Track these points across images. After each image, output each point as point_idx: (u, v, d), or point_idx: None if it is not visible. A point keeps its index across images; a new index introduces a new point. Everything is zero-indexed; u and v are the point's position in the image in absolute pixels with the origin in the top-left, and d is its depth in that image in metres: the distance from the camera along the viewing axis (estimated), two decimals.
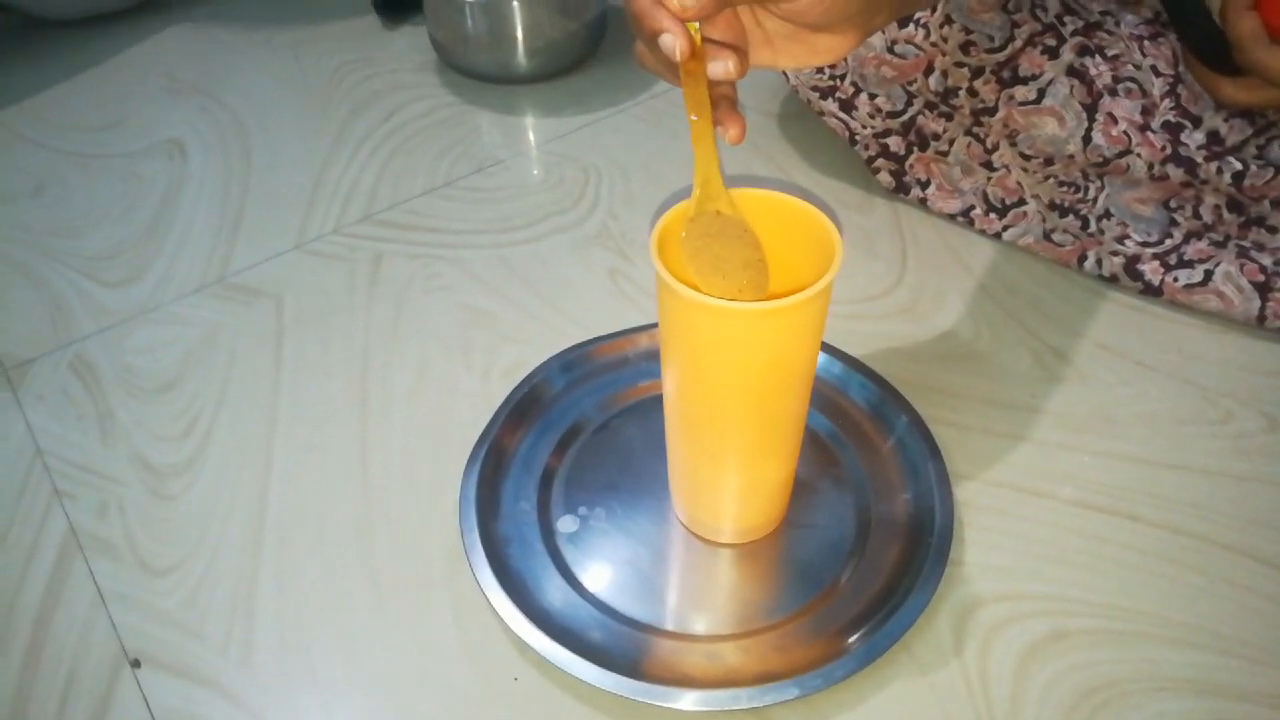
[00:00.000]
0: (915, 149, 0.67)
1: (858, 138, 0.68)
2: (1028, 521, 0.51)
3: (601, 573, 0.49)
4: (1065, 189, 0.63)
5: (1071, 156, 0.61)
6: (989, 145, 0.65)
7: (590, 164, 0.74)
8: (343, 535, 0.51)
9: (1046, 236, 0.64)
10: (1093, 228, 0.63)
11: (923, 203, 0.68)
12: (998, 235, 0.65)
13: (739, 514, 0.49)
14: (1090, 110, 0.60)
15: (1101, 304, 0.62)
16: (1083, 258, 0.63)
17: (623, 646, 0.46)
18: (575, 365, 0.57)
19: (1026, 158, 0.64)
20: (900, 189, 0.68)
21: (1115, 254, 0.62)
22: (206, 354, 0.61)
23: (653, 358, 0.58)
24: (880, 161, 0.68)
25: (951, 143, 0.66)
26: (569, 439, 0.55)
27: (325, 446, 0.55)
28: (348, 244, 0.68)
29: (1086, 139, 0.60)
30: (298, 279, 0.65)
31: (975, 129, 0.65)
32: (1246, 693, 0.44)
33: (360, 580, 0.49)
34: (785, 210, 0.43)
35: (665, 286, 0.39)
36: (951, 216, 0.67)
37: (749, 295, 0.41)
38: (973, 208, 0.66)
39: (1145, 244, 0.62)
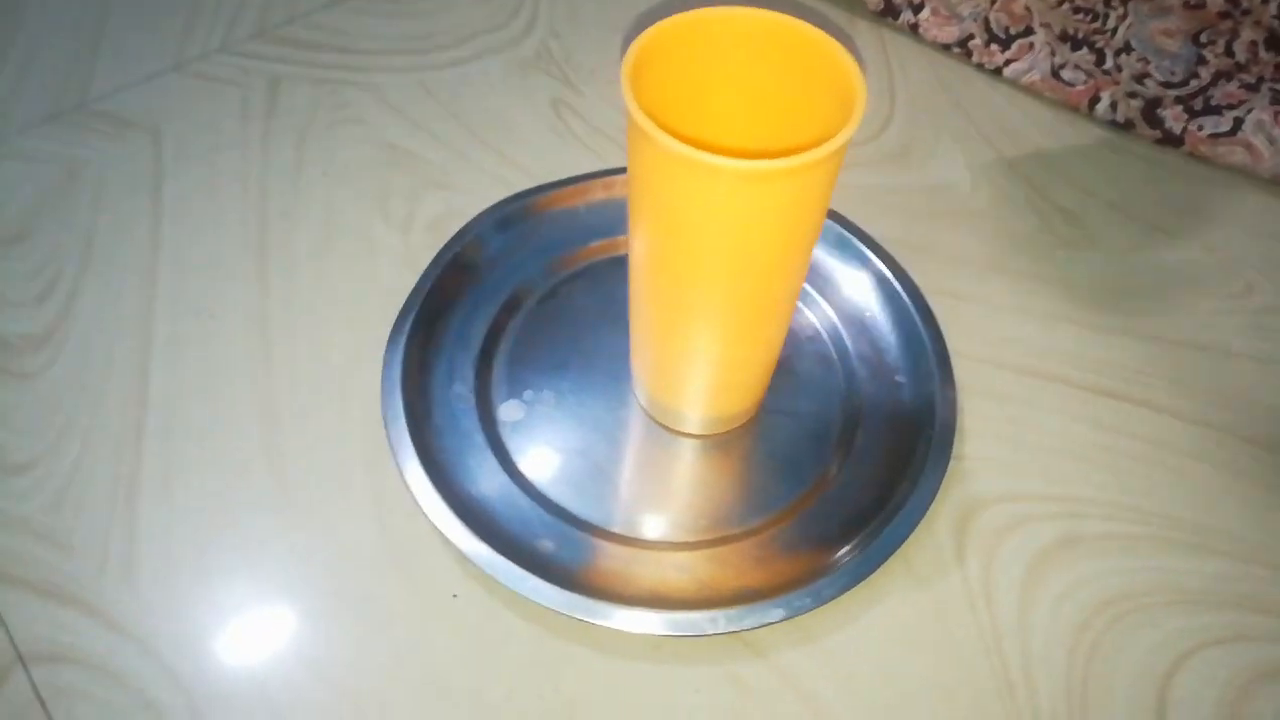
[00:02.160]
0: None
1: None
2: (1033, 408, 0.45)
3: (551, 468, 0.42)
4: (1081, 17, 0.55)
5: None
6: None
7: None
8: (241, 422, 0.43)
9: (1055, 73, 0.56)
10: (1109, 63, 0.55)
11: (914, 29, 0.59)
12: (998, 71, 0.57)
13: (711, 402, 0.42)
14: None
15: (1113, 156, 0.54)
16: (1095, 99, 0.55)
17: (579, 557, 0.39)
18: (515, 220, 0.49)
19: None
20: (889, 11, 0.59)
21: (1133, 95, 0.54)
22: (65, 197, 0.50)
23: (607, 213, 0.49)
24: None
25: None
26: (510, 308, 0.47)
27: (217, 313, 0.46)
28: (238, 65, 0.56)
29: None
30: (177, 108, 0.54)
31: None
32: (1270, 604, 0.40)
33: (264, 478, 0.41)
34: (788, 36, 0.34)
35: (639, 131, 0.30)
36: (946, 47, 0.58)
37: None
38: (971, 37, 0.57)
39: (1168, 84, 0.54)
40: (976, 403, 0.45)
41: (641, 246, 0.36)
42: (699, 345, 0.38)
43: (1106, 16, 0.54)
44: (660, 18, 0.33)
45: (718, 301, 0.35)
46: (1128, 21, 0.54)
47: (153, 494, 0.41)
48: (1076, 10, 0.54)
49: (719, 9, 0.34)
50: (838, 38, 0.56)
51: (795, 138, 0.36)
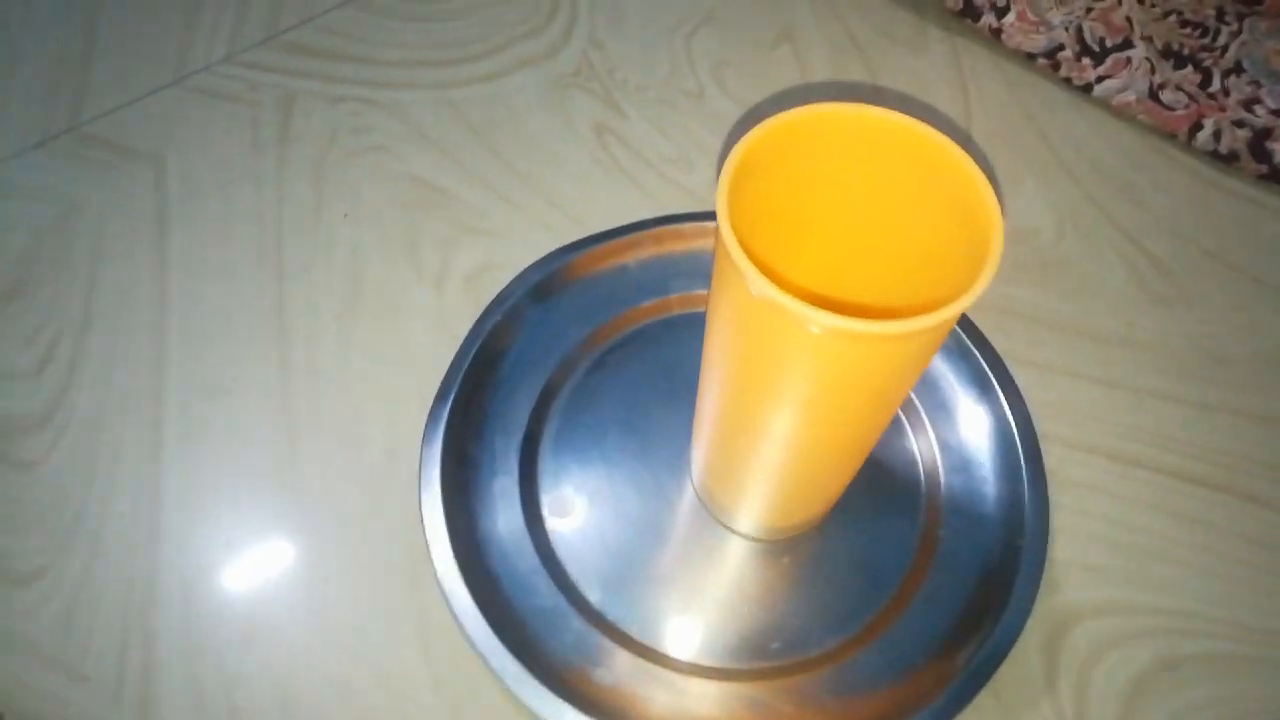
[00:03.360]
0: None
1: None
2: (1125, 502, 0.41)
3: (605, 581, 0.38)
4: (1188, 31, 0.49)
5: None
6: None
7: None
8: (266, 529, 0.39)
9: (1153, 94, 0.50)
10: (1215, 86, 0.49)
11: (995, 34, 0.53)
12: (1088, 88, 0.51)
13: (779, 514, 0.38)
14: None
15: (1211, 194, 0.49)
16: (1196, 126, 0.49)
17: (640, 691, 0.36)
18: (557, 280, 0.44)
19: None
20: (968, 11, 0.53)
21: (1240, 124, 0.49)
22: (62, 243, 0.45)
23: (658, 269, 0.45)
24: None
25: None
26: (555, 384, 0.42)
27: (234, 389, 0.42)
28: (246, 79, 0.51)
29: None
30: (181, 131, 0.49)
31: None
32: None
33: (294, 593, 0.38)
34: (914, 143, 0.29)
35: (727, 258, 0.26)
36: (1031, 57, 0.52)
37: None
38: (1061, 47, 0.52)
39: None
40: (1066, 495, 0.41)
41: (716, 358, 0.31)
42: (769, 468, 0.34)
43: (1217, 32, 0.49)
44: (759, 113, 0.29)
45: (795, 438, 0.31)
46: (1241, 39, 0.48)
47: (171, 610, 0.37)
48: (1184, 23, 0.49)
49: (830, 107, 0.29)
50: (901, 48, 0.50)
51: (911, 254, 0.31)
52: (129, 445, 0.40)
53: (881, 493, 0.41)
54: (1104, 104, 0.52)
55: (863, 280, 0.34)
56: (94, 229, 0.46)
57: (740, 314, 0.28)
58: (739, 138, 0.29)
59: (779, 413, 0.30)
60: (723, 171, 0.27)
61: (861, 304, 0.35)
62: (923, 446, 0.42)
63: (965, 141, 0.51)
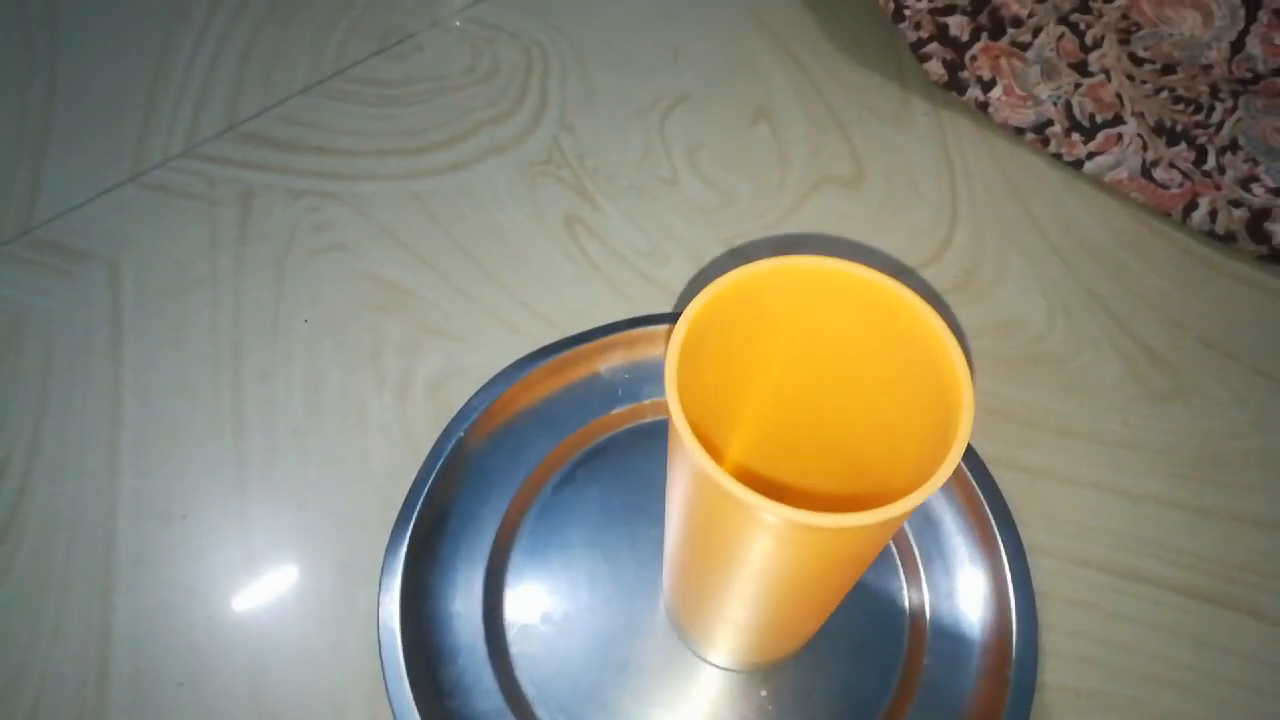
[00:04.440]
0: (984, 35, 0.50)
1: (907, 12, 0.50)
2: (1123, 621, 0.39)
3: (569, 716, 0.36)
4: (1181, 107, 0.47)
5: (1207, 67, 0.45)
6: (1089, 41, 0.48)
7: (534, 40, 0.55)
8: (221, 673, 0.37)
9: (1146, 171, 0.48)
10: (1210, 163, 0.47)
11: (982, 107, 0.51)
12: (1079, 164, 0.49)
13: (754, 651, 0.36)
14: (1252, 6, 0.43)
15: (1210, 277, 0.47)
16: (1191, 205, 0.47)
17: None
18: (524, 389, 0.42)
19: (1138, 62, 0.47)
20: (953, 85, 0.51)
21: (1236, 204, 0.47)
22: (12, 357, 0.44)
23: (629, 375, 0.43)
24: (933, 47, 0.51)
25: (1037, 32, 0.49)
26: (522, 501, 0.41)
27: (190, 514, 0.40)
28: (204, 174, 0.49)
29: (1237, 46, 0.44)
30: (136, 230, 0.47)
31: (1075, 15, 0.47)
32: None
33: None
34: (883, 305, 0.27)
35: (690, 464, 0.25)
36: (1019, 132, 0.50)
37: None
38: (1050, 123, 0.50)
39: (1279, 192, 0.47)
40: (1057, 613, 0.39)
41: (675, 515, 0.30)
42: (735, 618, 0.32)
43: (1212, 109, 0.47)
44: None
45: (757, 597, 0.30)
46: (1236, 115, 0.46)
47: None
48: (1177, 100, 0.47)
49: (781, 263, 0.28)
50: (885, 124, 0.48)
51: (877, 411, 0.29)
52: (79, 575, 0.39)
53: (863, 617, 0.39)
54: (1095, 181, 0.50)
55: (826, 438, 0.32)
56: (45, 340, 0.44)
57: (695, 487, 0.26)
58: (694, 294, 0.27)
59: (739, 576, 0.29)
60: (670, 346, 0.25)
61: (823, 470, 0.33)
62: (907, 568, 0.40)
63: (952, 218, 0.49)
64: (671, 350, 0.25)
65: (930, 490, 0.24)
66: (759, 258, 0.47)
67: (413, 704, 0.35)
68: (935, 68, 0.51)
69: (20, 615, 0.38)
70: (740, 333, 0.29)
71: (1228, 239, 0.47)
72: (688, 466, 0.25)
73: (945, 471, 0.24)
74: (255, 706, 0.36)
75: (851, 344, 0.29)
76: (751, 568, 0.28)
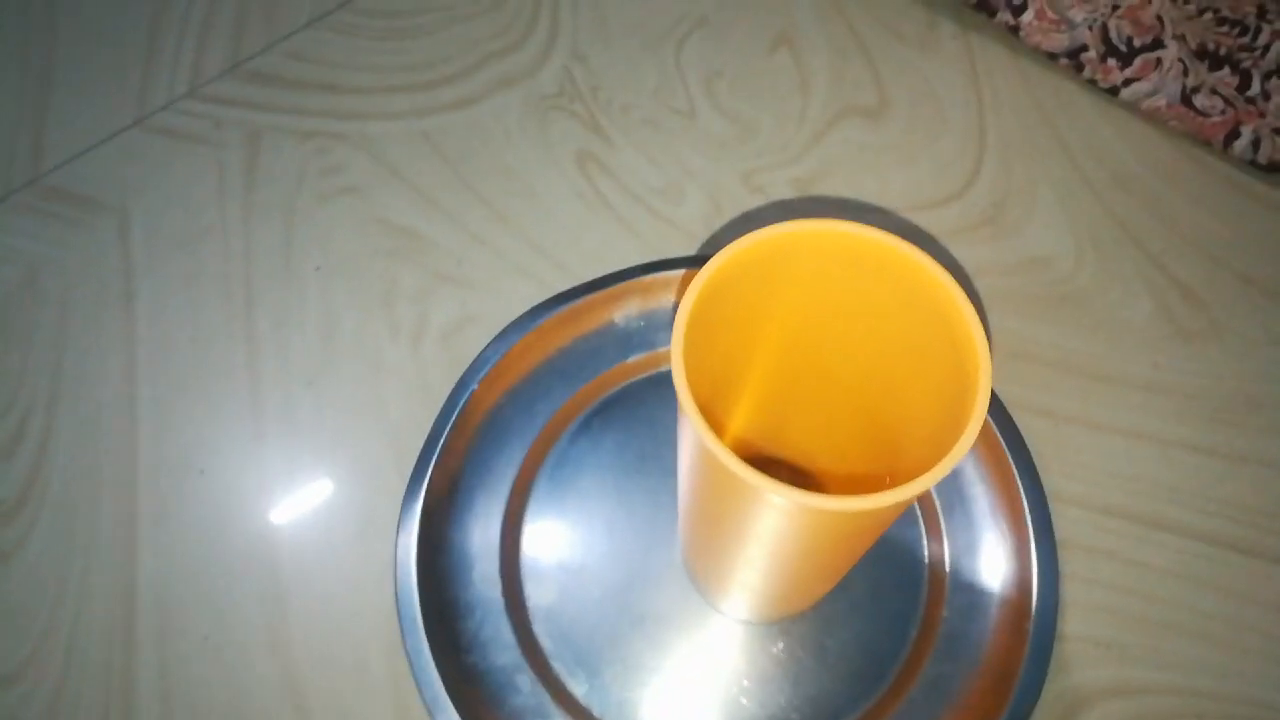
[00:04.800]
0: None
1: None
2: (1144, 569, 0.39)
3: (587, 669, 0.37)
4: (1226, 29, 0.45)
5: None
6: None
7: None
8: (245, 627, 0.38)
9: (1185, 99, 0.46)
10: (1255, 89, 0.45)
11: (1013, 31, 0.48)
12: (1114, 91, 0.47)
13: (771, 607, 0.36)
14: None
15: (1250, 209, 0.45)
16: (1233, 134, 0.45)
17: None
18: (539, 340, 0.42)
19: None
20: (983, 6, 0.49)
21: None
22: (28, 309, 0.44)
23: (644, 323, 0.42)
24: None
25: None
26: (537, 452, 0.40)
27: (208, 469, 0.41)
28: (209, 115, 0.48)
29: None
30: (144, 176, 0.47)
31: None
32: None
33: (275, 686, 0.37)
34: (890, 264, 0.26)
35: (697, 442, 0.24)
36: (1052, 57, 0.48)
37: None
38: (1084, 47, 0.47)
39: None
40: (1078, 562, 0.39)
41: (685, 480, 0.29)
42: (749, 580, 0.32)
43: (1258, 31, 0.44)
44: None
45: (769, 564, 0.29)
46: None
47: (149, 707, 0.37)
48: (1221, 21, 0.44)
49: (793, 228, 0.27)
50: (910, 48, 0.46)
51: (892, 376, 0.29)
52: (102, 533, 0.39)
53: (882, 569, 0.38)
54: (1131, 108, 0.47)
55: (839, 400, 0.31)
56: (59, 292, 0.44)
57: (702, 463, 0.25)
58: (710, 236, 0.26)
59: (748, 547, 0.28)
60: (676, 320, 0.25)
61: (836, 431, 0.33)
62: (926, 519, 0.39)
63: (979, 149, 0.47)
64: (678, 326, 0.25)
65: (943, 472, 0.23)
66: (777, 196, 0.45)
67: (430, 658, 0.35)
68: None
69: (46, 574, 0.39)
70: (750, 300, 0.28)
71: (1271, 169, 0.45)
72: (695, 442, 0.25)
73: (959, 451, 0.23)
74: (276, 660, 0.37)
75: (866, 308, 0.28)
76: (761, 540, 0.27)
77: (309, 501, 0.40)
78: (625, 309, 0.42)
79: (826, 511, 0.23)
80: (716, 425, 0.35)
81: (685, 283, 0.42)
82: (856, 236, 0.26)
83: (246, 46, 0.50)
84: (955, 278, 0.41)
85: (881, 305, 0.28)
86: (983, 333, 0.25)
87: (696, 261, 0.42)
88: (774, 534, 0.26)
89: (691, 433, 0.24)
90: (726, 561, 0.32)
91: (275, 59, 0.49)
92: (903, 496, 0.23)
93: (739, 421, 0.36)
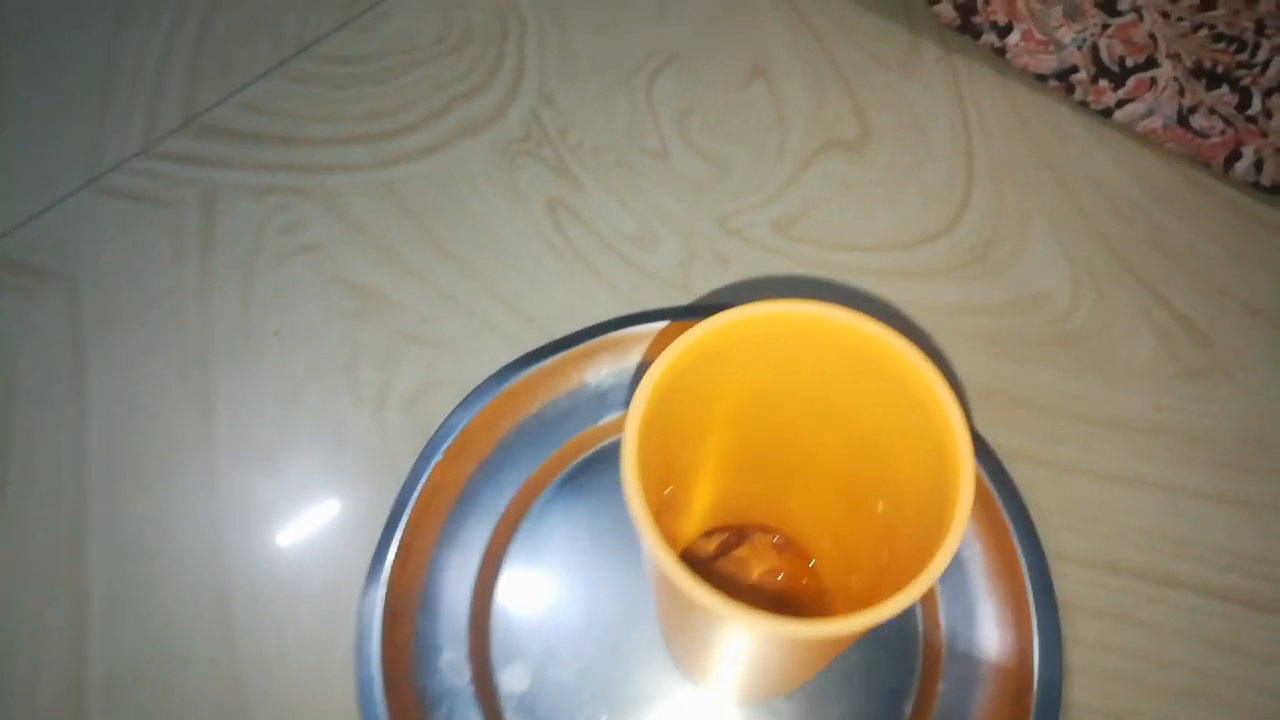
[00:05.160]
0: None
1: None
2: (1157, 632, 0.36)
3: None
4: (1222, 46, 0.42)
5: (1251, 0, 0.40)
6: None
7: (509, 0, 0.50)
8: (205, 710, 0.36)
9: (1183, 119, 0.43)
10: (1255, 107, 0.43)
11: (999, 53, 0.46)
12: (1108, 113, 0.45)
13: (748, 693, 0.34)
14: None
15: (1256, 234, 0.43)
16: (1234, 155, 0.43)
17: None
18: (507, 405, 0.39)
19: None
20: (967, 28, 0.46)
21: None
22: None
23: (618, 382, 0.40)
24: None
25: None
26: (507, 523, 0.38)
27: (164, 553, 0.39)
28: (164, 174, 0.46)
29: None
30: (95, 241, 0.45)
31: None
32: None
33: None
34: (886, 364, 0.24)
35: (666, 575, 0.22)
36: (1041, 79, 0.46)
37: None
38: (1075, 69, 0.45)
39: None
40: (1083, 626, 0.36)
41: (652, 582, 0.27)
42: (732, 673, 0.30)
43: (1257, 46, 0.42)
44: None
45: (748, 667, 0.27)
46: None
47: None
48: (1218, 38, 0.42)
49: (765, 308, 0.25)
50: (892, 73, 0.44)
51: (868, 466, 0.27)
52: (51, 625, 0.37)
53: (872, 641, 0.36)
54: (1126, 131, 0.45)
55: (824, 479, 0.29)
56: (3, 368, 0.42)
57: (663, 580, 0.23)
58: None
59: (723, 651, 0.26)
60: (628, 423, 0.23)
61: (828, 519, 0.31)
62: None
63: (968, 179, 0.45)
64: (629, 436, 0.23)
65: (918, 592, 0.21)
66: (756, 239, 0.43)
67: None
68: (946, 10, 0.46)
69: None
70: (707, 383, 0.26)
71: (1274, 191, 0.43)
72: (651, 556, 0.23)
73: (935, 571, 0.21)
74: None
75: (836, 388, 0.26)
76: (735, 648, 0.25)
77: (267, 587, 0.38)
78: (598, 367, 0.40)
79: (792, 637, 0.21)
80: (685, 505, 0.33)
81: (661, 341, 0.40)
82: (818, 318, 0.24)
83: (201, 99, 0.48)
84: (943, 319, 0.39)
85: (854, 385, 0.25)
86: (964, 424, 0.23)
87: (671, 314, 0.40)
88: (745, 644, 0.24)
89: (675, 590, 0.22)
90: (703, 655, 0.30)
91: (231, 111, 0.47)
92: (873, 619, 0.21)
93: (714, 496, 0.34)
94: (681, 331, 0.24)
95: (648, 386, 0.23)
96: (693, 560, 0.36)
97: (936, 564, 0.21)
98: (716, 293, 0.42)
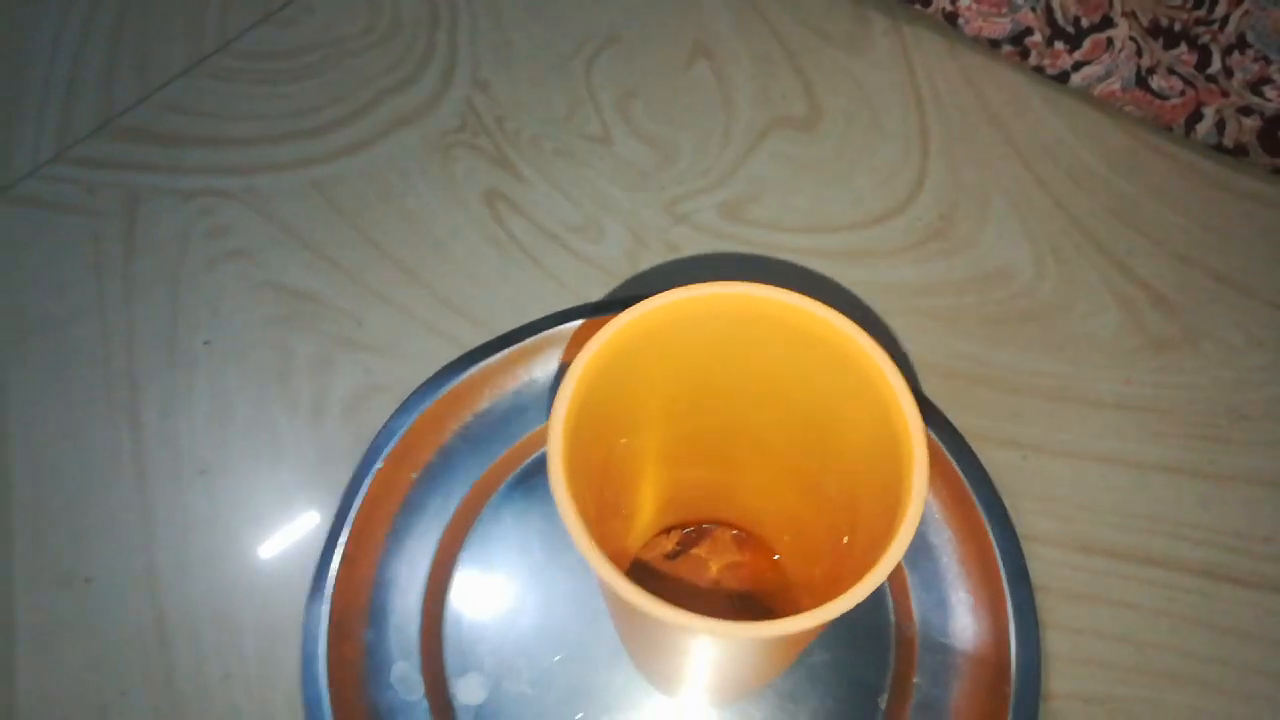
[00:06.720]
0: None
1: None
2: (1135, 612, 0.35)
3: None
4: (1180, 3, 0.41)
5: None
6: None
7: None
8: None
9: (1141, 81, 0.42)
10: (1215, 66, 0.41)
11: (950, 20, 0.44)
12: (1064, 77, 0.43)
13: (714, 696, 0.32)
14: None
15: (1219, 199, 0.42)
16: (1195, 116, 0.42)
17: None
18: (448, 408, 0.38)
19: None
20: None
21: (1246, 111, 0.41)
22: None
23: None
24: None
25: None
26: (455, 532, 0.37)
27: (95, 575, 0.36)
28: (80, 180, 0.44)
29: None
30: (8, 253, 0.42)
31: None
32: None
33: None
34: (825, 340, 0.23)
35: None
36: (994, 44, 0.44)
37: None
38: (1029, 31, 0.43)
39: None
40: (1059, 610, 0.35)
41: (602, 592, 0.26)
42: (693, 677, 0.28)
43: (1215, 2, 0.40)
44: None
45: (705, 671, 0.26)
46: (1243, 7, 0.40)
47: None
48: None
49: (684, 293, 0.23)
50: (840, 50, 0.43)
51: (818, 442, 0.25)
52: None
53: (841, 634, 0.35)
54: (1083, 95, 0.44)
55: (778, 467, 0.27)
56: None
57: (602, 581, 0.22)
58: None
59: (679, 657, 0.25)
60: (550, 433, 0.21)
61: (783, 507, 0.29)
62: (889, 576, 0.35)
63: (922, 156, 0.43)
64: (554, 435, 0.21)
65: (880, 577, 0.19)
66: (704, 224, 0.41)
67: None
68: None
69: None
70: (643, 373, 0.24)
71: (1238, 152, 0.41)
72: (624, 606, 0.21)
73: (887, 566, 0.20)
74: None
75: (782, 372, 0.24)
76: (693, 653, 0.24)
77: (206, 609, 0.36)
78: (545, 363, 0.38)
79: (739, 639, 0.19)
80: (633, 504, 0.31)
81: (577, 339, 0.38)
82: (750, 298, 0.22)
83: (118, 101, 0.45)
84: (902, 299, 0.37)
85: (795, 367, 0.24)
86: (911, 397, 0.21)
87: (619, 305, 0.38)
88: (698, 648, 0.23)
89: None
90: (662, 662, 0.28)
91: (150, 112, 0.45)
92: (822, 618, 0.19)
93: (664, 491, 0.32)
94: (597, 328, 0.22)
95: (570, 385, 0.21)
96: (649, 559, 0.35)
97: (895, 548, 0.20)
98: (666, 282, 0.40)
